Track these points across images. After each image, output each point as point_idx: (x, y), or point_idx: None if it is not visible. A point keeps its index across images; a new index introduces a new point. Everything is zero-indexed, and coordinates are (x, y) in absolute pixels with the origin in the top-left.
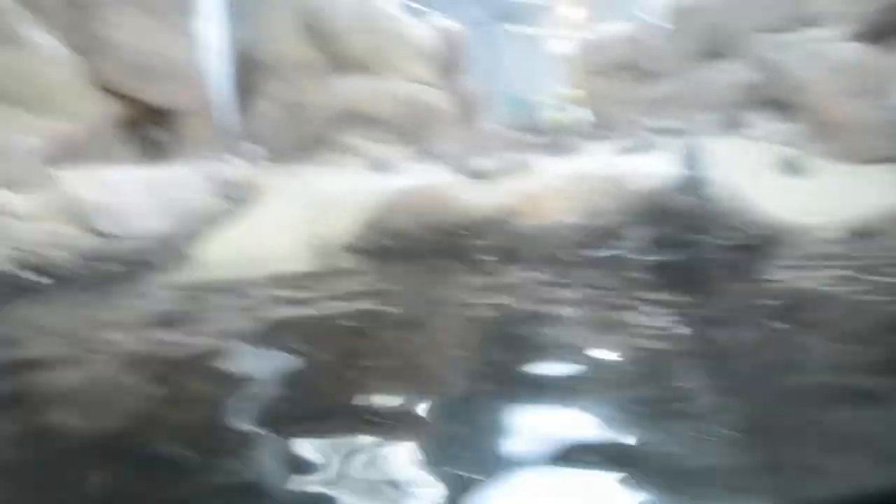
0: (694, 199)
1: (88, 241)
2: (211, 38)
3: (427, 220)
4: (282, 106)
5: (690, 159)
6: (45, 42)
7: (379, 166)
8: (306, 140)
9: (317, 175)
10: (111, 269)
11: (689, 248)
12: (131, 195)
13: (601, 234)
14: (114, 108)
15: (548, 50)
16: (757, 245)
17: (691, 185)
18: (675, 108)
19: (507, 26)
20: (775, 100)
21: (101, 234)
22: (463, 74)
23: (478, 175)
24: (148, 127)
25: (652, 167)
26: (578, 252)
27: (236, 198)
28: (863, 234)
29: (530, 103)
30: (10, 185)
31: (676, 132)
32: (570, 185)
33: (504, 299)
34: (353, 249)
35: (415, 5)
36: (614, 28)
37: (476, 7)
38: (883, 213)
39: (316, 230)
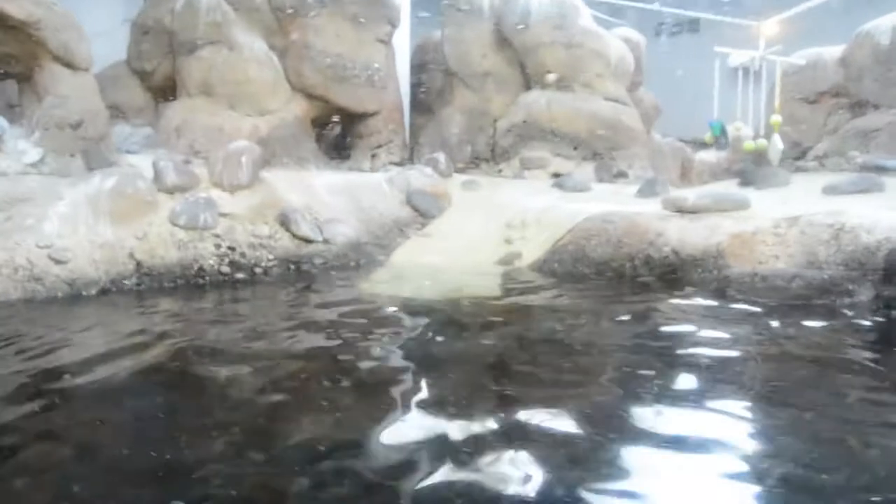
0: None
1: (287, 243)
2: (398, 45)
3: (627, 252)
4: (470, 116)
5: None
6: (252, 44)
7: (567, 184)
8: (492, 151)
9: (503, 188)
10: (306, 270)
11: None
12: (328, 200)
13: (821, 288)
14: (307, 109)
15: (744, 70)
16: None
17: None
18: (893, 142)
19: (696, 40)
20: None
21: (299, 236)
22: (642, 87)
23: (679, 207)
24: (336, 128)
25: (878, 212)
26: (793, 304)
27: (425, 207)
28: None
29: (724, 127)
30: (224, 184)
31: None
32: (785, 229)
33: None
34: (547, 272)
35: (604, 16)
36: (822, 50)
37: (664, 18)
38: None
39: (506, 248)
